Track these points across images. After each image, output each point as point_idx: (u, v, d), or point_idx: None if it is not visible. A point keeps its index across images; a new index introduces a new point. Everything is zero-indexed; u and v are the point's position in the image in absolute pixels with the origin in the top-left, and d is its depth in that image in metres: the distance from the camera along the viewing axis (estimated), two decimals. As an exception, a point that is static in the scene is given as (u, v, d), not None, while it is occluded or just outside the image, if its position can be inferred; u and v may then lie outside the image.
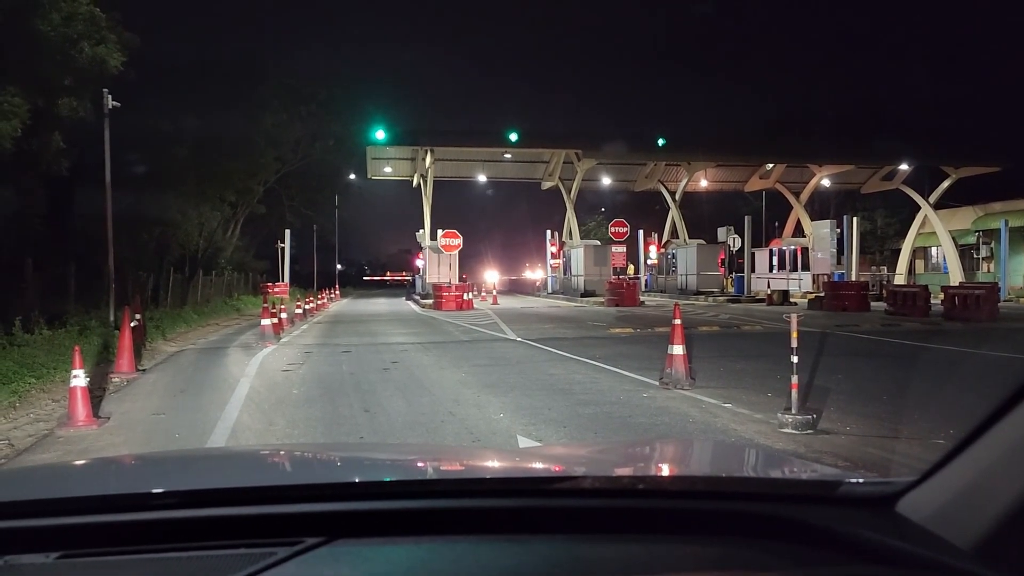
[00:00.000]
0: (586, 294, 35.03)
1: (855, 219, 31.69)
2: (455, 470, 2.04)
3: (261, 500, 1.43)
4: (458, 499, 1.45)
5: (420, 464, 2.13)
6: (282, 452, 2.84)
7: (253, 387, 9.57)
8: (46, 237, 18.77)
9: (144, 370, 11.50)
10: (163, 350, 14.73)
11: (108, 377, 10.50)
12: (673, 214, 40.52)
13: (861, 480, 1.53)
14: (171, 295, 25.01)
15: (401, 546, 1.37)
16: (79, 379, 7.29)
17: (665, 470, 2.13)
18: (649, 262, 41.89)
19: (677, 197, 40.41)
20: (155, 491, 1.52)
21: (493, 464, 2.20)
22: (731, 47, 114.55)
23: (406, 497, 1.47)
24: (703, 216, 47.79)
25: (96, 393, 8.78)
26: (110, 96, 17.00)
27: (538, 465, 2.13)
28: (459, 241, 32.96)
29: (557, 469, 2.01)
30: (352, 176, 45.36)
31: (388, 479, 1.79)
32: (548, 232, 44.26)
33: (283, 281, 43.82)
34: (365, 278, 74.53)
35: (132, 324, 11.91)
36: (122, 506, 1.42)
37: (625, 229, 35.09)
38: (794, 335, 6.91)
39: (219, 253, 35.33)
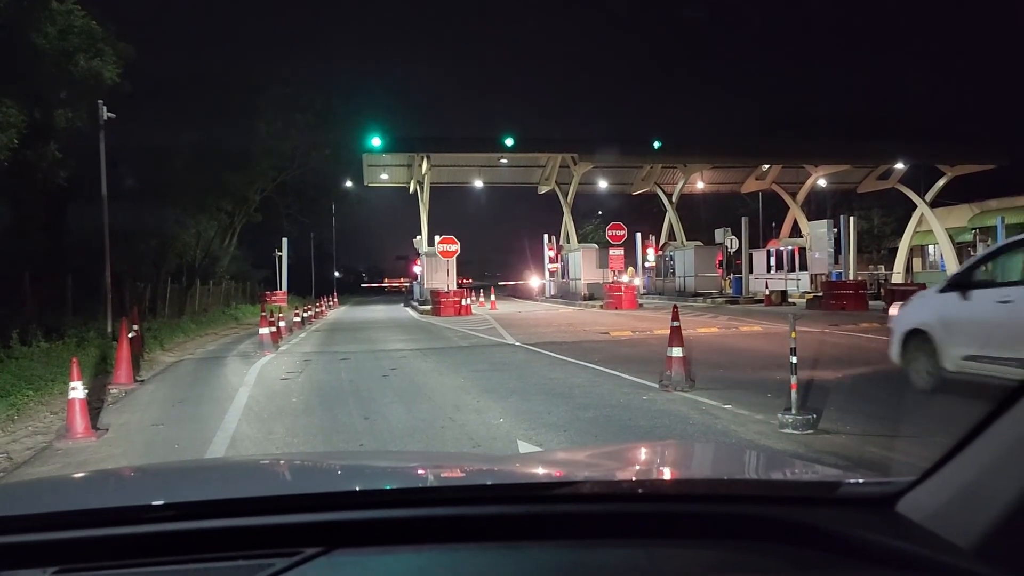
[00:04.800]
0: (584, 298, 35.04)
1: (852, 219, 31.69)
2: (455, 477, 2.04)
3: (259, 511, 1.42)
4: (458, 507, 1.45)
5: (420, 472, 2.12)
6: (281, 462, 2.83)
7: (252, 396, 9.55)
8: (43, 249, 18.76)
9: (142, 381, 11.47)
10: (161, 360, 14.71)
11: (106, 388, 10.48)
12: (670, 216, 40.57)
13: (861, 480, 1.53)
14: (169, 305, 25.01)
15: (401, 555, 1.36)
16: (77, 391, 7.26)
17: (666, 474, 2.12)
18: (647, 265, 41.86)
19: (674, 199, 40.45)
20: (154, 503, 1.51)
21: (493, 470, 2.19)
22: (725, 48, 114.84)
23: (406, 505, 1.46)
24: (700, 218, 47.93)
25: (94, 405, 8.76)
26: (105, 108, 17.02)
27: (538, 470, 2.13)
28: (456, 247, 32.94)
29: (558, 474, 2.00)
30: (349, 183, 45.37)
31: (387, 487, 1.78)
32: (545, 236, 44.25)
33: (281, 289, 43.83)
34: (363, 285, 74.48)
35: (130, 335, 11.89)
36: (119, 519, 1.41)
37: (622, 232, 35.04)
38: (793, 335, 6.92)
39: (216, 263, 35.33)
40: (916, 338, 8.54)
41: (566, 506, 1.47)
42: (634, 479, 1.89)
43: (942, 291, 8.47)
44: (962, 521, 1.18)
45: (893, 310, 10.24)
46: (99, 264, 17.07)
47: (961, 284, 8.19)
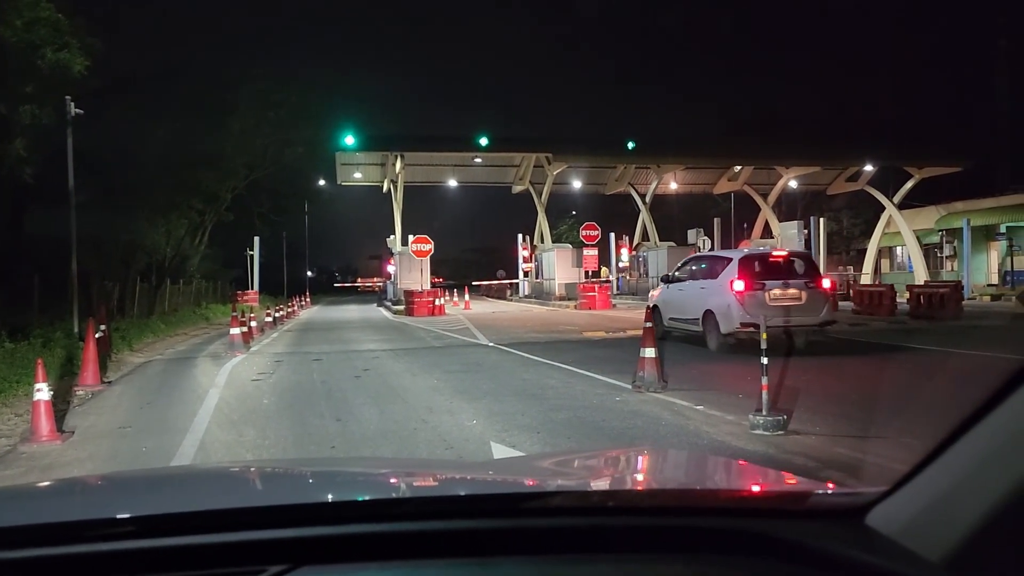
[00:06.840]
0: (558, 298, 35.09)
1: (822, 220, 32.10)
2: (424, 487, 2.02)
3: (224, 526, 1.39)
4: (426, 521, 1.43)
5: (391, 481, 2.10)
6: (252, 469, 2.80)
7: (222, 398, 9.43)
8: (8, 247, 18.41)
9: (110, 382, 11.29)
10: (129, 361, 14.49)
11: (73, 390, 10.28)
12: (643, 217, 40.76)
13: (831, 491, 1.53)
14: (137, 305, 24.66)
15: (368, 571, 1.34)
16: (42, 393, 7.12)
17: (635, 486, 2.12)
18: (620, 265, 42.03)
19: (647, 200, 40.65)
20: (118, 516, 1.48)
21: (461, 479, 2.17)
22: (697, 51, 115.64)
23: (373, 520, 1.44)
24: (673, 218, 48.24)
25: (60, 407, 8.60)
26: (73, 104, 16.73)
27: (509, 481, 2.11)
28: (430, 246, 32.83)
29: (530, 483, 1.99)
30: (322, 182, 44.94)
31: (356, 499, 1.76)
32: (519, 236, 44.25)
33: (253, 289, 43.46)
34: (336, 285, 73.94)
35: (97, 335, 11.69)
36: (78, 536, 1.37)
37: (596, 232, 35.13)
38: (763, 336, 6.97)
39: (187, 261, 34.85)
40: (656, 310, 14.02)
41: (537, 520, 1.46)
42: (603, 491, 1.88)
43: (664, 283, 15.39)
44: (932, 534, 1.18)
45: (653, 292, 16.65)
46: (66, 262, 16.76)
47: (667, 280, 15.27)
